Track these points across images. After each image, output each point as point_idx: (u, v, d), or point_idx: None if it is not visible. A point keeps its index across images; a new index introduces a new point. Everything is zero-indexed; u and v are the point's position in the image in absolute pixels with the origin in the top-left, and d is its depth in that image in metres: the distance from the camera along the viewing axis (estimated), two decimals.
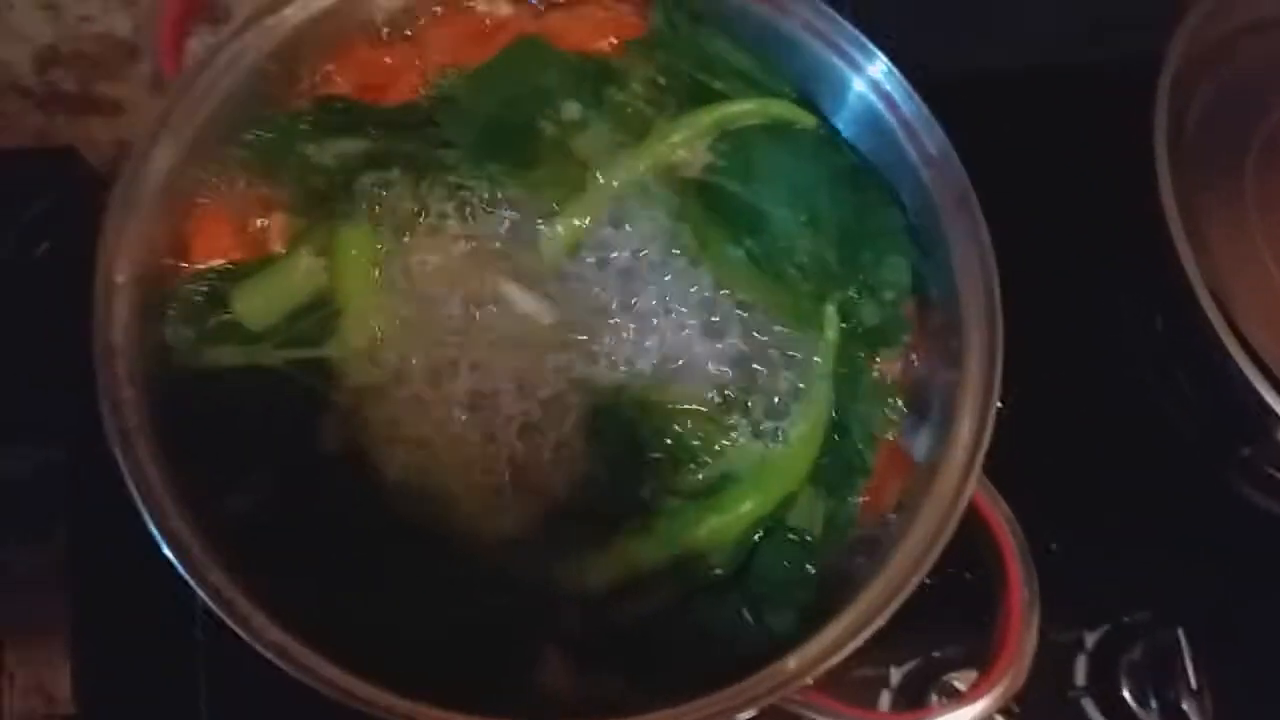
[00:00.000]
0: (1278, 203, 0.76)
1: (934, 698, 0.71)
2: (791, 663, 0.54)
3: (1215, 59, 0.76)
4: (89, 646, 0.67)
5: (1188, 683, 0.74)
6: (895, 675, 0.74)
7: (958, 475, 0.58)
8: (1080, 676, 0.76)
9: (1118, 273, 0.85)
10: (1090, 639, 0.76)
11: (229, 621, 0.51)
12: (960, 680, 0.72)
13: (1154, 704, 0.74)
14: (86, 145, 1.02)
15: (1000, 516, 0.59)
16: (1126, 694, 0.74)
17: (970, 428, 0.59)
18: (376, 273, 0.61)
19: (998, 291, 0.60)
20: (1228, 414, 0.77)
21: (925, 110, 0.64)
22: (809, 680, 0.54)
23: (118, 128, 1.02)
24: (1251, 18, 0.80)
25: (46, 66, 0.94)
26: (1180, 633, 0.75)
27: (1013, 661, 0.57)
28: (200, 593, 0.51)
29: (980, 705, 0.57)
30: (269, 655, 0.51)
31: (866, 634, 0.55)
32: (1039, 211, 0.66)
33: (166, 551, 0.52)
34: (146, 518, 0.52)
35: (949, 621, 0.71)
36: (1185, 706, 0.73)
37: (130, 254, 0.57)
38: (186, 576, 0.52)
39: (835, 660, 0.54)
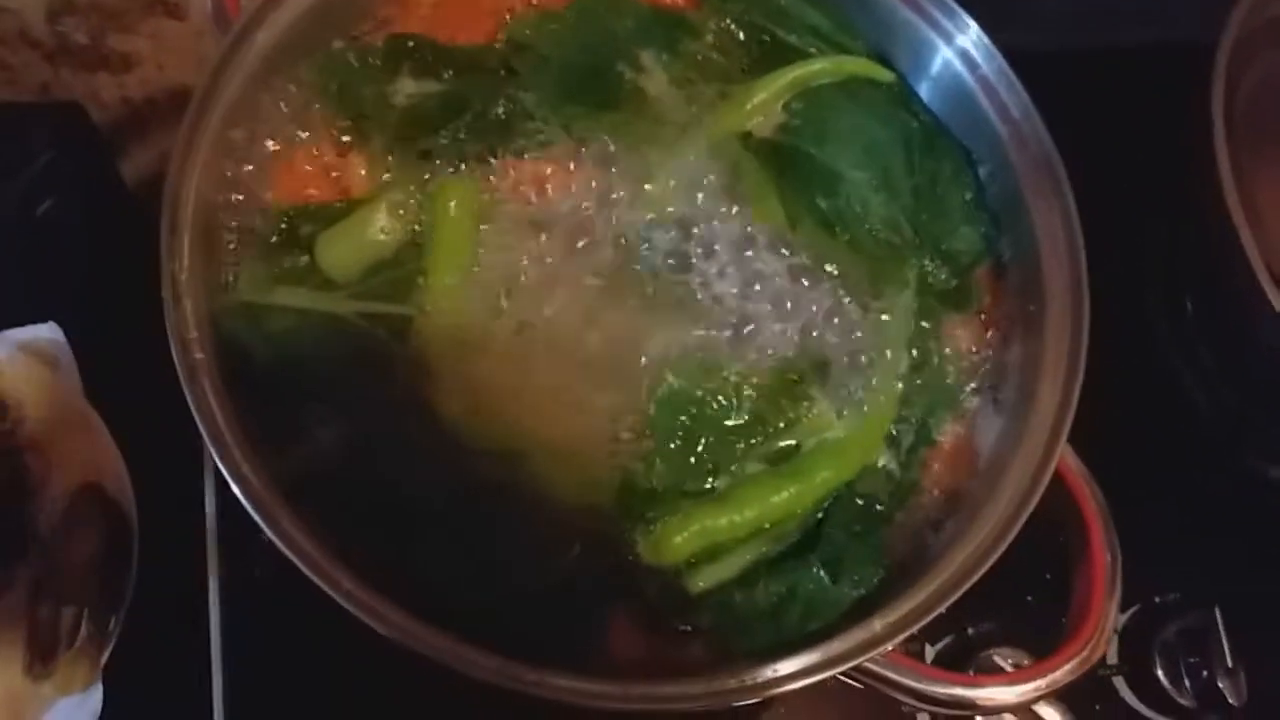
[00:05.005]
0: None
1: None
2: (877, 625, 0.53)
3: (1269, 39, 0.76)
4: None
5: (1223, 662, 0.74)
6: (930, 653, 0.74)
7: (1044, 440, 0.57)
8: (1112, 655, 0.76)
9: (1161, 250, 0.85)
10: (1122, 619, 0.76)
11: (301, 566, 0.49)
12: (1000, 657, 0.72)
13: (1187, 683, 0.74)
14: (92, 101, 0.99)
15: (1083, 481, 0.58)
16: (1160, 673, 0.75)
17: (1055, 391, 0.58)
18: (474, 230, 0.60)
19: (1083, 252, 0.60)
20: (1261, 393, 0.79)
21: (1008, 70, 0.63)
22: (890, 645, 0.53)
23: (125, 85, 0.99)
24: None
25: (59, 16, 0.90)
26: (1216, 612, 0.76)
27: (1097, 627, 0.56)
28: (269, 532, 0.49)
29: (1065, 669, 0.56)
30: (339, 599, 0.49)
31: (954, 597, 0.54)
32: (1092, 185, 0.65)
33: (235, 490, 0.50)
34: (213, 454, 0.50)
35: (982, 597, 0.71)
36: (1220, 685, 0.73)
37: (198, 190, 0.55)
38: (254, 515, 0.50)
39: (923, 623, 0.53)
